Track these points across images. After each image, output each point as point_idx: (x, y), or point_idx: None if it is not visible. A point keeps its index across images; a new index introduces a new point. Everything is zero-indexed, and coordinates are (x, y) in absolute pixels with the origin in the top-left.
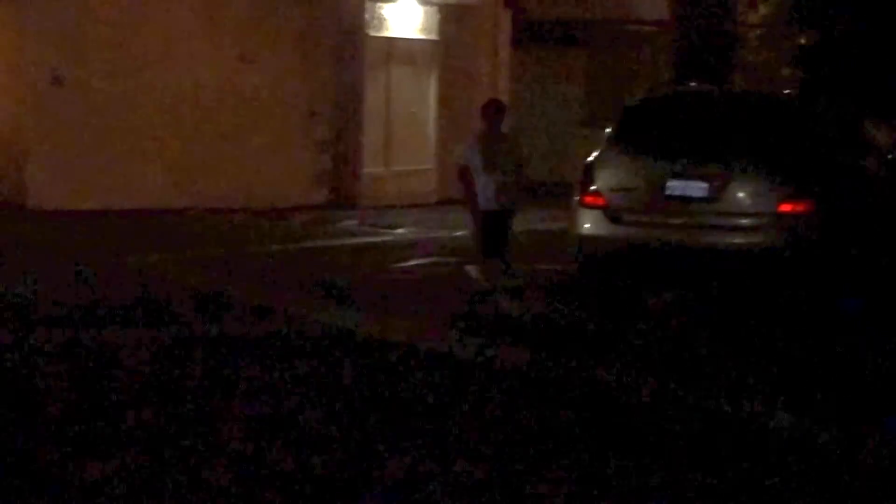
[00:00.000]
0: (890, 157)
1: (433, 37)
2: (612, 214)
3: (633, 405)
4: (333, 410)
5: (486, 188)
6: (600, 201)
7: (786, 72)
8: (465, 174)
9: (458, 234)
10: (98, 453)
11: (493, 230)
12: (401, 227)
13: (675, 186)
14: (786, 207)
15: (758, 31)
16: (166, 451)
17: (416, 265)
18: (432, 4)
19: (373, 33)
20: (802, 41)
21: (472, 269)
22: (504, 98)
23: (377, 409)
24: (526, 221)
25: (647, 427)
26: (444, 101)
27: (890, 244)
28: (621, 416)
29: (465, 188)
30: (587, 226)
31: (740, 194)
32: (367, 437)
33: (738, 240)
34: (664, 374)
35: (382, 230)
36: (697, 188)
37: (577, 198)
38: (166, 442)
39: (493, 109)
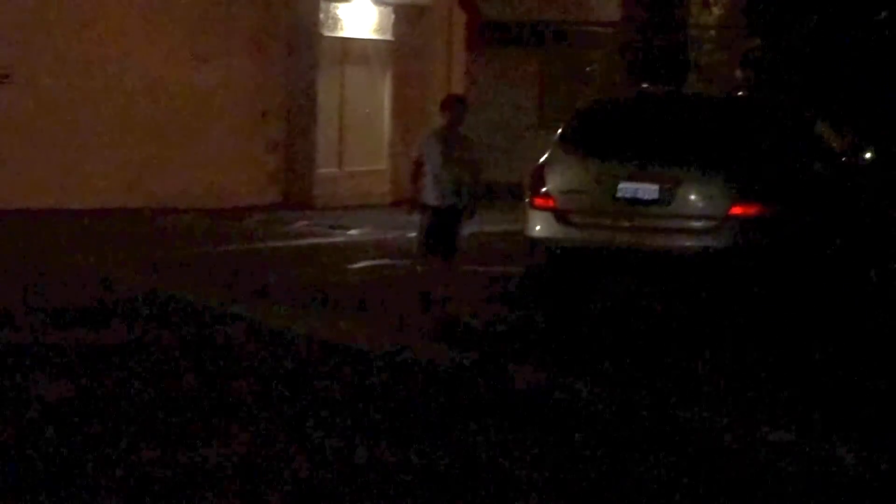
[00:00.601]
0: (843, 159)
1: (388, 37)
2: (562, 216)
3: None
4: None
5: (439, 184)
6: (550, 203)
7: (738, 74)
8: (417, 169)
9: (412, 234)
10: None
11: (440, 228)
12: (354, 227)
13: (626, 189)
14: (737, 210)
15: (711, 33)
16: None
17: (368, 266)
18: (387, 5)
19: (327, 33)
20: (755, 43)
21: (421, 269)
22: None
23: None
24: (479, 223)
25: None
26: (398, 102)
27: (842, 246)
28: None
29: (413, 181)
30: (538, 228)
31: (692, 197)
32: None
33: (689, 243)
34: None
35: (335, 231)
36: (648, 190)
37: (528, 200)
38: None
39: (454, 105)
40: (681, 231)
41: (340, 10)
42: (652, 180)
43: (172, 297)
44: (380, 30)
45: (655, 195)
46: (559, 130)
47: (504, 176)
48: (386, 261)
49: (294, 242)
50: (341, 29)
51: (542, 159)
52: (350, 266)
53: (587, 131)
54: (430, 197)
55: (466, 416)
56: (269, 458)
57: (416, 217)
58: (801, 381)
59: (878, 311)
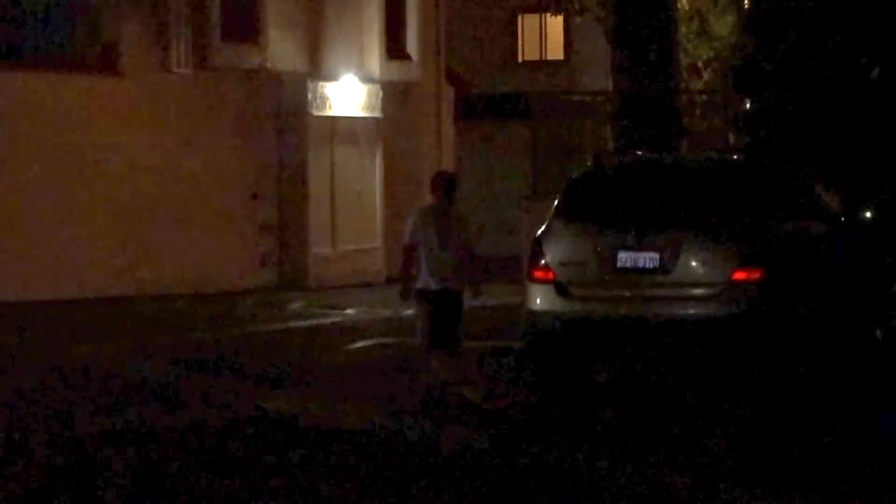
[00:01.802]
0: (842, 220)
1: (376, 114)
2: (562, 288)
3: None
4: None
5: (439, 266)
6: (550, 275)
7: (732, 138)
8: (410, 254)
9: (407, 313)
10: None
11: (443, 314)
12: (350, 307)
13: (626, 258)
14: (739, 276)
15: (702, 98)
16: None
17: (364, 347)
18: (374, 82)
19: (315, 112)
20: (746, 107)
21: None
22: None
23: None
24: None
25: None
26: (388, 179)
27: (844, 308)
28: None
29: (406, 268)
30: (537, 301)
31: (693, 264)
32: None
33: (692, 310)
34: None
35: (330, 311)
36: (648, 259)
37: (527, 272)
38: None
39: (444, 182)
40: (683, 298)
41: (328, 89)
42: (652, 248)
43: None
44: (368, 107)
45: (656, 263)
46: (556, 202)
47: (498, 250)
48: (384, 340)
49: (290, 325)
50: (330, 108)
51: (539, 231)
52: (348, 347)
53: (584, 201)
54: (431, 282)
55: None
56: None
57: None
58: (812, 449)
59: (884, 369)
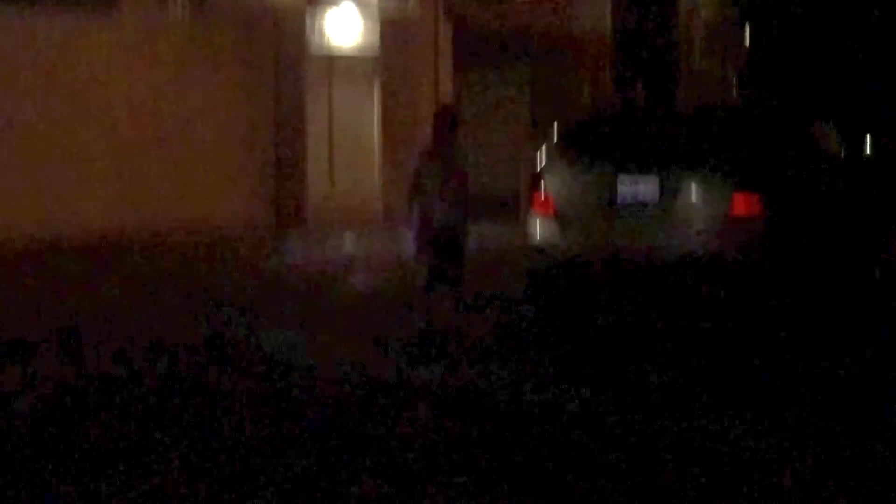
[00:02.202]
0: (843, 156)
1: (374, 52)
2: (562, 220)
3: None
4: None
5: (442, 205)
6: (549, 209)
7: (731, 76)
8: (414, 192)
9: (404, 251)
10: None
11: (444, 251)
12: (346, 246)
13: (626, 191)
14: (738, 210)
15: (702, 36)
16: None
17: (363, 285)
18: (372, 21)
19: (313, 49)
20: (746, 44)
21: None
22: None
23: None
24: (472, 235)
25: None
26: (386, 117)
27: (844, 245)
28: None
29: (411, 202)
30: (537, 233)
31: (691, 197)
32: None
33: (691, 244)
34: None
35: (328, 250)
36: (647, 192)
37: (526, 206)
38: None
39: (446, 119)
40: (682, 232)
41: (326, 26)
42: (650, 182)
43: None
44: (366, 45)
45: (655, 197)
46: (556, 136)
47: (497, 188)
48: (381, 277)
49: (288, 263)
50: (328, 46)
51: (539, 165)
52: (347, 285)
53: (584, 136)
54: (439, 220)
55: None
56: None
57: (406, 234)
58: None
59: (881, 308)
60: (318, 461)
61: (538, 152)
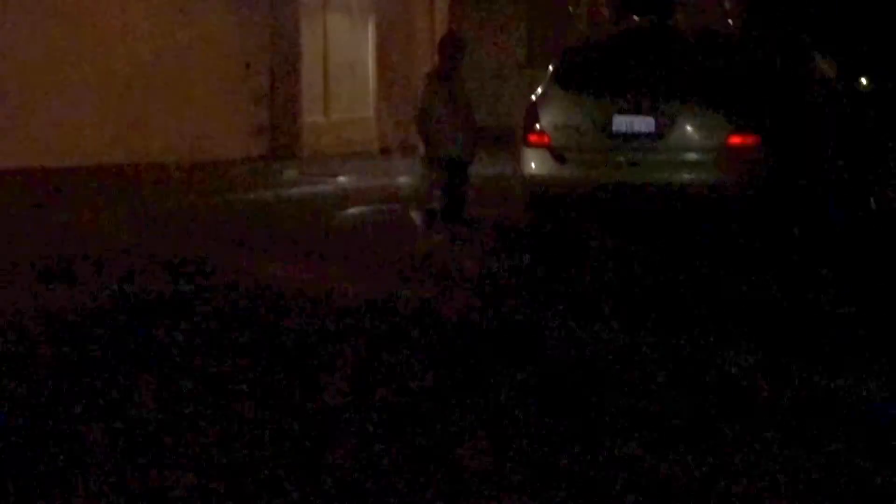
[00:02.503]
0: (838, 87)
1: None
2: (557, 153)
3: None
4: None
5: (451, 133)
6: (545, 140)
7: (727, 6)
8: (423, 119)
9: (401, 180)
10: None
11: (452, 180)
12: (342, 175)
13: (622, 123)
14: (735, 141)
15: None
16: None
17: (358, 212)
18: None
19: None
20: None
21: (416, 216)
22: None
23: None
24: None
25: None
26: (381, 48)
27: (840, 174)
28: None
29: (424, 134)
30: (532, 165)
31: (688, 129)
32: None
33: (687, 175)
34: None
35: (323, 179)
36: (644, 124)
37: (522, 138)
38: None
39: (451, 46)
40: (678, 164)
41: None
42: (647, 114)
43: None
44: None
45: (652, 128)
46: (551, 67)
47: (492, 120)
48: (376, 206)
49: (282, 192)
50: None
51: (534, 96)
52: (339, 213)
53: (580, 67)
54: (448, 148)
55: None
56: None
57: (401, 163)
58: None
59: (878, 238)
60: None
61: (534, 86)
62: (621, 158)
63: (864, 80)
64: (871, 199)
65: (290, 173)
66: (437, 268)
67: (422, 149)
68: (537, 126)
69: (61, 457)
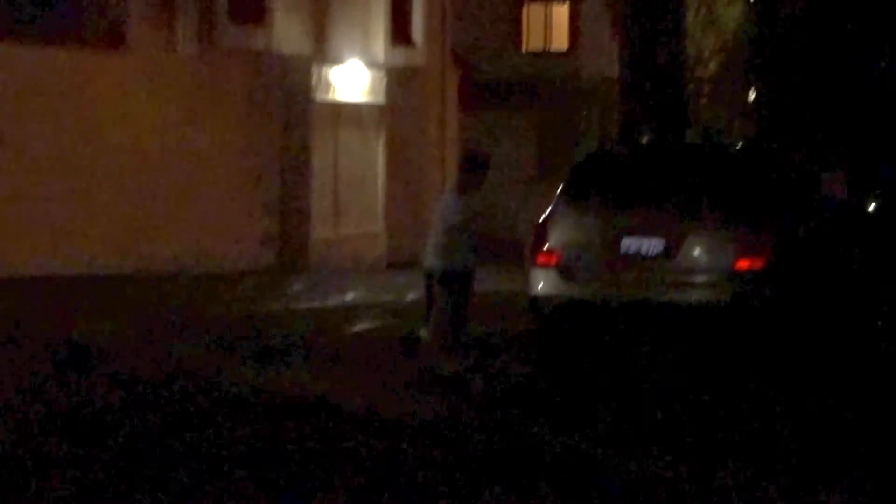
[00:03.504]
0: (848, 209)
1: (380, 100)
2: (566, 273)
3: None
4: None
5: (473, 247)
6: (553, 259)
7: (737, 126)
8: (455, 233)
9: (409, 298)
10: None
11: (460, 294)
12: (349, 291)
13: (630, 244)
14: (743, 264)
15: (708, 87)
16: None
17: (365, 329)
18: (379, 67)
19: (320, 97)
20: (752, 96)
21: (425, 333)
22: (452, 158)
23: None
24: (479, 282)
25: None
26: (392, 165)
27: (846, 297)
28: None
29: (450, 247)
30: (541, 285)
31: (696, 251)
32: None
33: (695, 297)
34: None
35: (332, 294)
36: (652, 245)
37: (530, 256)
38: None
39: (477, 162)
40: (686, 285)
41: (332, 74)
42: (656, 234)
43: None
44: (372, 93)
45: (660, 249)
46: (561, 186)
47: (501, 235)
48: (385, 323)
49: (290, 306)
50: (334, 93)
51: (543, 215)
52: (348, 329)
53: (589, 186)
54: (469, 261)
55: (476, 476)
56: None
57: (410, 279)
58: (810, 436)
59: (885, 360)
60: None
61: (543, 202)
62: (629, 279)
63: (872, 203)
64: (878, 321)
65: (298, 287)
66: (447, 385)
67: (434, 265)
68: (546, 245)
69: None
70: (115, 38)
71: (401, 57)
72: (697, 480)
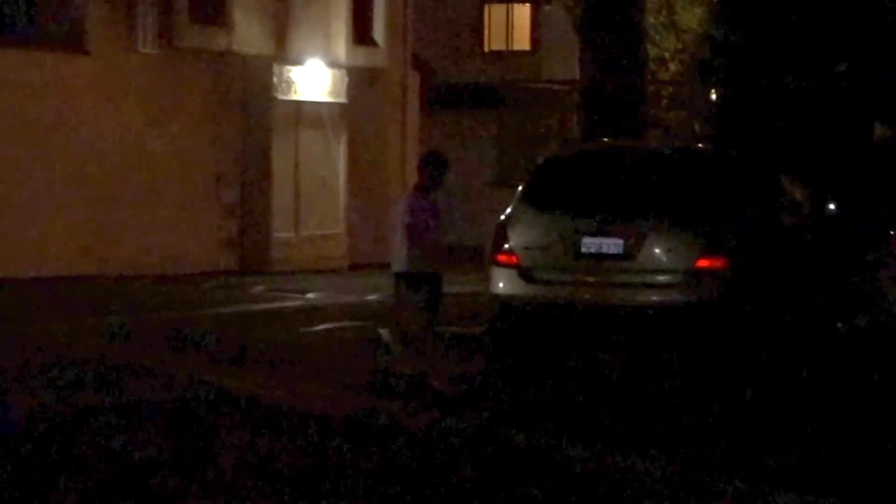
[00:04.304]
0: (807, 212)
1: (342, 100)
2: (525, 273)
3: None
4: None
5: (438, 248)
6: (513, 260)
7: (698, 128)
8: (412, 231)
9: (370, 297)
10: None
11: (430, 296)
12: (311, 292)
13: (590, 244)
14: (703, 264)
15: (669, 89)
16: None
17: (327, 329)
18: (340, 67)
19: (281, 97)
20: (713, 98)
21: (385, 334)
22: (413, 159)
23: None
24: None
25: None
26: (353, 165)
27: (806, 296)
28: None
29: (412, 248)
30: (500, 285)
31: (657, 251)
32: None
33: (655, 297)
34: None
35: (292, 295)
36: (612, 245)
37: (490, 257)
38: None
39: (435, 163)
40: (646, 285)
41: (294, 73)
42: (616, 235)
43: (129, 365)
44: (334, 93)
45: (620, 249)
46: (521, 187)
47: (463, 238)
48: (345, 323)
49: (251, 307)
50: (295, 92)
51: (504, 216)
52: (308, 329)
53: (549, 187)
54: (434, 263)
55: (441, 478)
56: None
57: (370, 280)
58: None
59: (844, 363)
60: None
61: (503, 204)
62: (590, 279)
63: (832, 206)
64: (839, 323)
65: (259, 289)
66: (408, 384)
67: (398, 265)
68: (506, 246)
69: None
70: (74, 40)
71: (362, 57)
72: (665, 477)
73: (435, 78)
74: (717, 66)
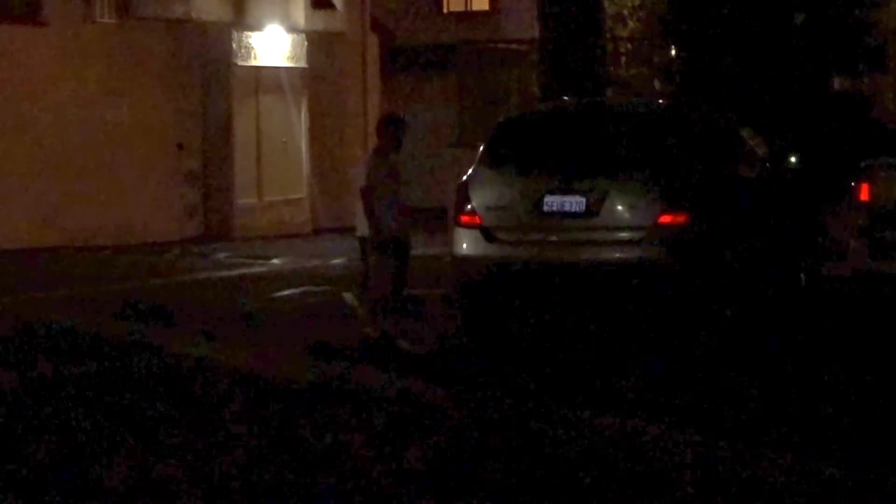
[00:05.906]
0: (768, 165)
1: (301, 64)
2: (488, 233)
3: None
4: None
5: (390, 213)
6: (476, 220)
7: (658, 85)
8: (368, 195)
9: (334, 262)
10: None
11: (397, 261)
12: (275, 257)
13: (552, 202)
14: (665, 219)
15: (627, 46)
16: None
17: (290, 295)
18: (299, 32)
19: (240, 62)
20: (672, 54)
21: (349, 297)
22: (373, 123)
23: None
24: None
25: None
26: (314, 129)
27: (771, 251)
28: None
29: (370, 212)
30: (464, 245)
31: (619, 208)
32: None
33: (618, 254)
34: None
35: (256, 261)
36: (574, 203)
37: (453, 218)
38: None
39: (393, 125)
40: (609, 242)
41: (253, 39)
42: (578, 192)
43: (88, 333)
44: (293, 57)
45: (582, 207)
46: (482, 147)
47: (425, 201)
48: (309, 288)
49: (216, 274)
50: (255, 58)
51: (465, 177)
52: (274, 295)
53: (510, 146)
54: (395, 228)
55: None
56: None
57: (334, 244)
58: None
59: (807, 314)
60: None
61: (465, 165)
62: (553, 237)
63: (792, 158)
64: (801, 276)
65: (223, 255)
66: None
67: (360, 229)
68: (468, 206)
69: None
70: (31, 11)
71: (321, 21)
72: (625, 439)
73: (394, 40)
74: (675, 22)
